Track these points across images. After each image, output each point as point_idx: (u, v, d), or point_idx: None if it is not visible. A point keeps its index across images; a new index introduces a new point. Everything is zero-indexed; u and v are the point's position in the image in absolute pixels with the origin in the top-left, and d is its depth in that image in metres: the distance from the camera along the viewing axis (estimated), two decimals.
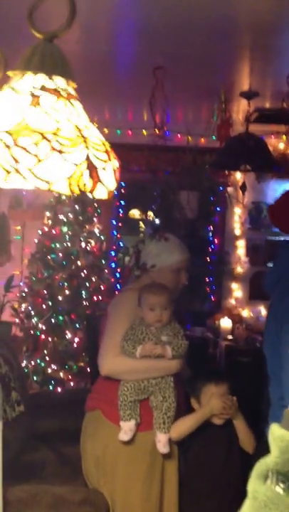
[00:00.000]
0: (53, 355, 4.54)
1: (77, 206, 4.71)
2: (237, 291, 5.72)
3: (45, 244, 4.72)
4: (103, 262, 4.83)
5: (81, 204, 4.69)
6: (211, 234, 5.77)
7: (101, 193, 1.22)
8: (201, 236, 5.59)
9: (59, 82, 1.28)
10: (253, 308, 5.55)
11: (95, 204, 4.81)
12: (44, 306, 4.58)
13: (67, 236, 4.68)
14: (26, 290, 4.71)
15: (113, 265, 5.36)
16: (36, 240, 4.82)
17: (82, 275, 4.64)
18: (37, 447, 2.90)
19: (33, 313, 4.62)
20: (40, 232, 4.80)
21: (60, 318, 4.56)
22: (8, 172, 1.14)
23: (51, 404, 3.39)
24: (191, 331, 4.91)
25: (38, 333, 4.59)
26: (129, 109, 5.07)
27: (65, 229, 4.69)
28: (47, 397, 3.79)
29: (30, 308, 4.64)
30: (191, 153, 5.05)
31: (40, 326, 4.57)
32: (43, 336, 4.58)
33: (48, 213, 4.82)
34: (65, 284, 4.57)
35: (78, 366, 4.54)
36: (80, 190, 1.14)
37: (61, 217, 4.73)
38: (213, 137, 4.40)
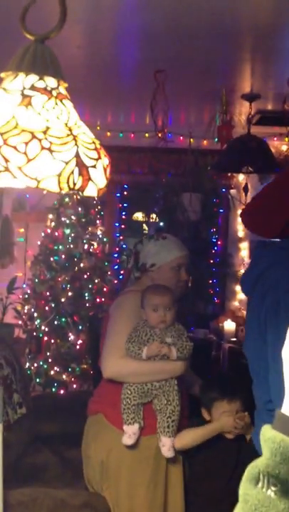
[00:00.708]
0: (55, 357, 4.53)
1: (80, 208, 4.72)
2: (240, 293, 5.70)
3: (48, 246, 4.72)
4: (106, 264, 4.83)
5: (84, 206, 4.69)
6: (214, 236, 5.75)
7: (91, 190, 1.23)
8: (204, 238, 5.56)
9: (50, 82, 1.29)
10: None
11: (98, 206, 4.82)
12: (47, 308, 4.58)
13: (70, 238, 4.68)
14: (29, 292, 4.71)
15: (116, 267, 5.37)
16: (39, 242, 4.82)
17: (85, 277, 4.64)
18: (39, 450, 2.88)
19: (35, 315, 4.61)
20: (43, 234, 4.80)
21: (63, 320, 4.55)
22: None
23: (54, 406, 3.36)
24: (194, 333, 4.91)
25: (41, 335, 4.58)
26: (131, 112, 5.07)
27: (68, 231, 4.69)
28: (50, 400, 3.78)
29: (33, 310, 4.64)
30: (194, 156, 5.05)
31: (43, 327, 4.57)
32: (45, 338, 4.58)
33: (51, 216, 4.82)
34: (68, 286, 4.57)
35: (81, 368, 4.52)
36: (69, 188, 1.15)
37: (64, 219, 4.73)
38: (216, 139, 4.40)
